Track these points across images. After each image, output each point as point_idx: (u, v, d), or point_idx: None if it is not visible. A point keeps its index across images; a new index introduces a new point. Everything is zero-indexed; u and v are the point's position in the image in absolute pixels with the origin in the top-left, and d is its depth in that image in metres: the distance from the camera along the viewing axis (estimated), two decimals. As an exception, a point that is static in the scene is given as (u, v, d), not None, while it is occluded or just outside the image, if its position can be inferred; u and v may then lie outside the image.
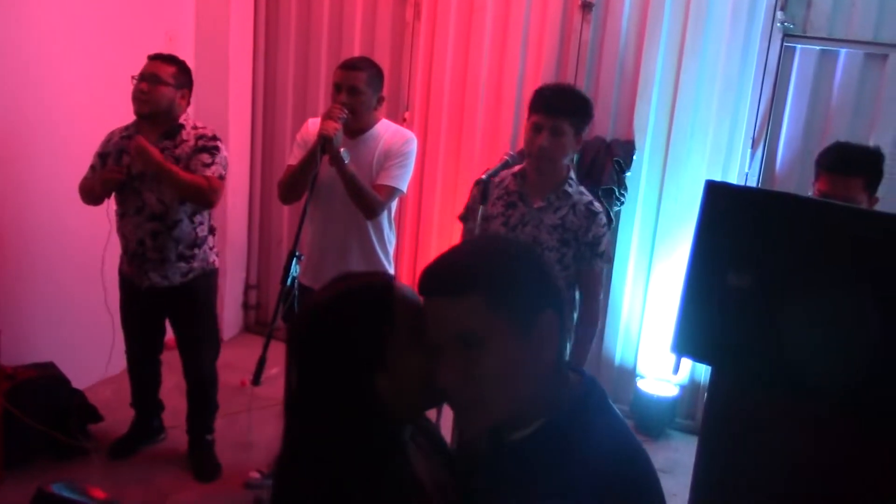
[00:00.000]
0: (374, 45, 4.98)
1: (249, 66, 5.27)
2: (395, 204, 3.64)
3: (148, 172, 3.51)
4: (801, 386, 1.95)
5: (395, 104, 4.89)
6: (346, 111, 3.31)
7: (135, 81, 3.56)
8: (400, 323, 1.40)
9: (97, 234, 3.77)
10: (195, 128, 3.64)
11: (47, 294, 4.15)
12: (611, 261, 3.22)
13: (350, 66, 3.46)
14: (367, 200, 3.37)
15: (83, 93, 4.23)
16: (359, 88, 3.39)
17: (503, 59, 4.75)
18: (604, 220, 3.13)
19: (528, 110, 3.06)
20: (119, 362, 4.00)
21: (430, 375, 1.37)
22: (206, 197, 3.51)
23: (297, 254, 3.09)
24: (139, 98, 3.52)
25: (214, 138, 3.63)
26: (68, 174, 3.77)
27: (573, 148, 3.07)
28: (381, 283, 1.46)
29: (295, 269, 3.06)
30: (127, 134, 3.64)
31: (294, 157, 3.50)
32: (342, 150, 3.27)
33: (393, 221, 3.67)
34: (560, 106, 2.99)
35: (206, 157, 3.55)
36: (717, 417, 2.26)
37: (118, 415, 4.13)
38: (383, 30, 4.97)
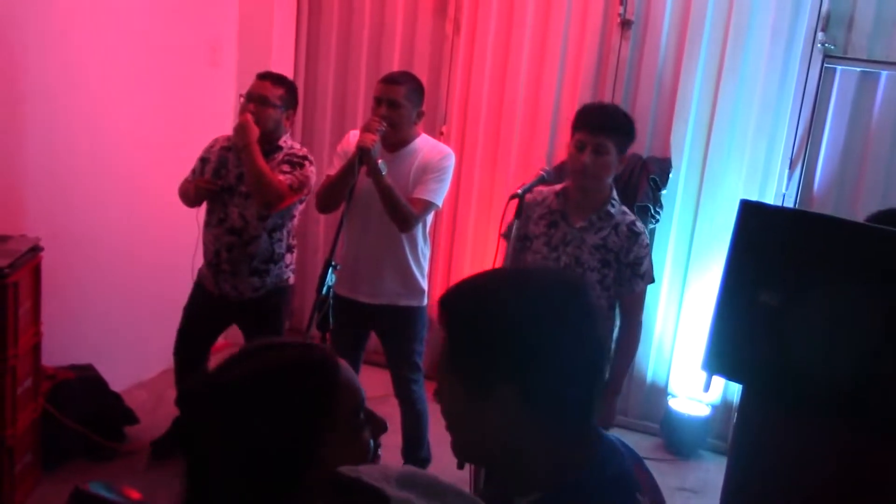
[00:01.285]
0: (413, 59, 5.03)
1: (290, 78, 5.34)
2: (430, 218, 3.67)
3: (238, 146, 3.52)
4: (831, 407, 1.95)
5: (432, 118, 4.92)
6: (385, 124, 3.36)
7: (242, 101, 3.60)
8: (340, 413, 1.27)
9: (141, 238, 3.83)
10: (290, 148, 3.68)
11: (89, 297, 4.22)
12: (653, 281, 3.20)
13: (391, 80, 3.50)
14: (401, 213, 3.40)
15: (129, 102, 4.30)
16: (399, 102, 3.43)
17: (541, 75, 4.77)
18: (646, 240, 3.12)
19: (572, 128, 3.07)
20: (155, 365, 4.05)
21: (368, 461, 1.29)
22: (267, 193, 3.48)
23: (333, 263, 3.13)
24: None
25: (303, 157, 3.65)
26: (115, 181, 3.84)
27: (616, 167, 3.06)
28: (323, 368, 1.30)
29: (331, 278, 3.09)
30: (227, 146, 3.70)
31: (333, 168, 3.55)
32: (380, 162, 3.31)
33: (428, 235, 3.70)
34: (604, 124, 3.01)
35: (285, 167, 3.57)
36: (747, 436, 2.26)
37: (154, 417, 4.19)
38: (422, 44, 5.02)
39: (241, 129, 3.49)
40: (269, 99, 3.59)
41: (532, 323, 1.23)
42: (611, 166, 3.02)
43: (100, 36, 4.10)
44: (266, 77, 3.66)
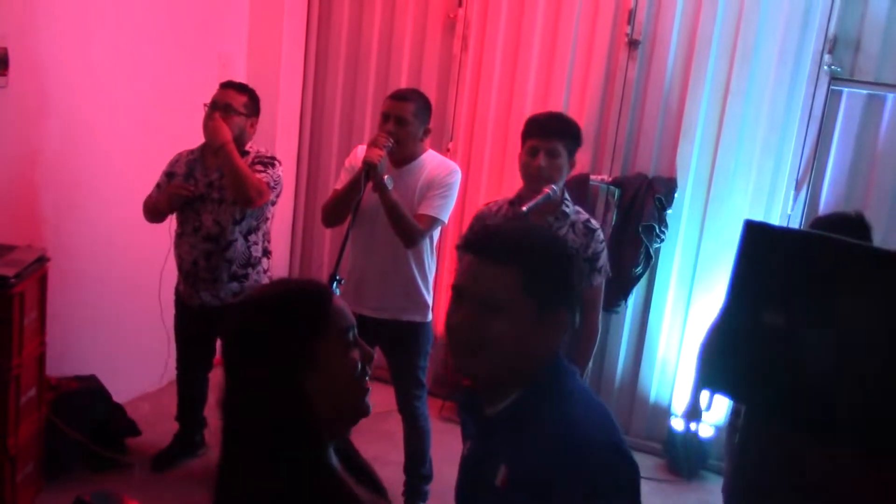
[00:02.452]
0: (421, 75, 5.06)
1: (299, 92, 5.38)
2: (437, 233, 3.68)
3: (214, 146, 3.57)
4: (831, 427, 1.94)
5: (439, 134, 4.94)
6: (392, 140, 3.38)
7: (206, 109, 3.66)
8: (332, 327, 1.45)
9: (150, 252, 3.85)
10: (258, 152, 3.75)
11: (95, 308, 4.23)
12: (610, 276, 3.36)
13: (399, 96, 3.53)
14: (406, 228, 3.41)
15: (138, 114, 4.33)
16: (406, 119, 3.45)
17: (548, 93, 4.79)
18: (601, 236, 3.29)
19: (523, 137, 3.27)
20: (159, 378, 4.06)
21: (357, 381, 1.46)
22: (248, 189, 3.55)
23: (337, 277, 3.14)
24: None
25: (272, 158, 3.75)
26: (123, 193, 3.86)
27: (567, 170, 3.24)
28: (319, 289, 1.51)
29: (335, 292, 3.10)
30: (193, 157, 3.76)
31: (340, 182, 3.57)
32: (386, 177, 3.32)
33: (434, 251, 3.70)
34: (555, 129, 3.20)
35: (259, 167, 3.66)
36: (748, 456, 2.25)
37: (156, 430, 4.19)
38: (431, 60, 5.05)
39: (213, 130, 3.57)
40: (234, 106, 3.67)
41: (573, 260, 1.60)
42: (563, 169, 3.20)
43: (110, 47, 4.13)
44: (229, 86, 3.76)
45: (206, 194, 3.71)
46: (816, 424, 2.01)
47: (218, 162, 3.62)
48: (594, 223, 3.31)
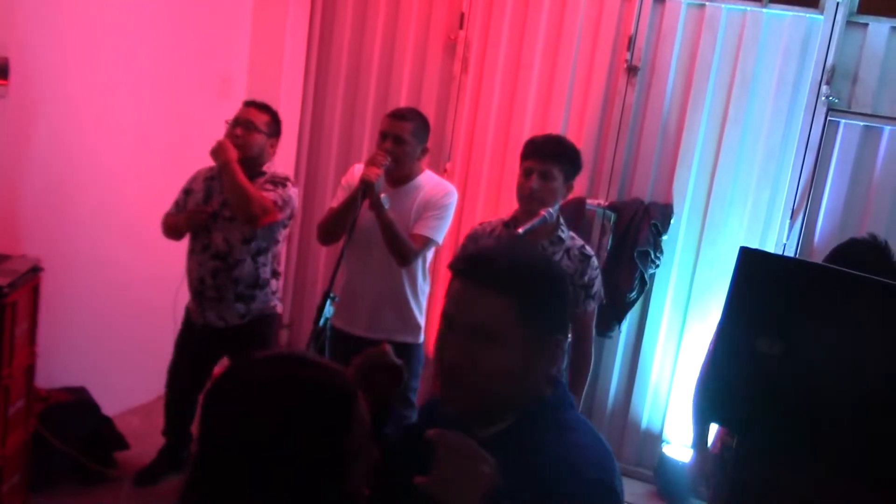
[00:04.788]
0: (420, 96, 5.07)
1: (298, 110, 5.38)
2: (430, 254, 3.67)
3: (218, 164, 3.57)
4: (826, 457, 1.94)
5: (436, 155, 4.95)
6: (389, 159, 3.38)
7: (228, 126, 3.67)
8: (355, 436, 1.31)
9: (144, 266, 3.85)
10: (274, 174, 3.73)
11: (86, 319, 4.21)
12: (604, 302, 3.36)
13: (398, 115, 3.53)
14: (401, 248, 3.41)
15: (137, 128, 4.33)
16: (404, 138, 3.46)
17: (546, 117, 4.80)
18: (596, 262, 3.26)
19: (521, 158, 3.25)
20: (149, 392, 4.03)
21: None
22: (250, 207, 3.53)
23: (331, 295, 3.13)
24: (234, 143, 3.60)
25: (285, 178, 3.73)
26: (119, 207, 3.86)
27: (562, 194, 3.22)
28: (341, 386, 1.33)
29: (329, 310, 3.09)
30: (211, 175, 3.74)
31: (337, 200, 3.57)
32: (382, 196, 3.32)
33: (427, 272, 3.70)
34: (551, 152, 3.18)
35: (268, 186, 3.64)
36: (740, 485, 2.24)
37: (144, 444, 4.16)
38: (430, 81, 5.06)
39: (218, 148, 3.57)
40: (256, 124, 3.68)
41: (566, 284, 1.56)
42: (557, 192, 3.17)
43: (111, 60, 4.13)
44: (252, 104, 3.77)
45: (218, 212, 3.69)
46: (811, 453, 2.00)
47: (222, 179, 3.62)
48: (589, 249, 3.29)
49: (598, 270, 3.27)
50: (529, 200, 3.16)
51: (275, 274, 3.84)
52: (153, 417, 4.32)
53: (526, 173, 3.18)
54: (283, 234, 3.84)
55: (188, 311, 3.88)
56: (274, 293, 3.84)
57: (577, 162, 3.26)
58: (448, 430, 1.33)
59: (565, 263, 3.18)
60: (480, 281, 1.44)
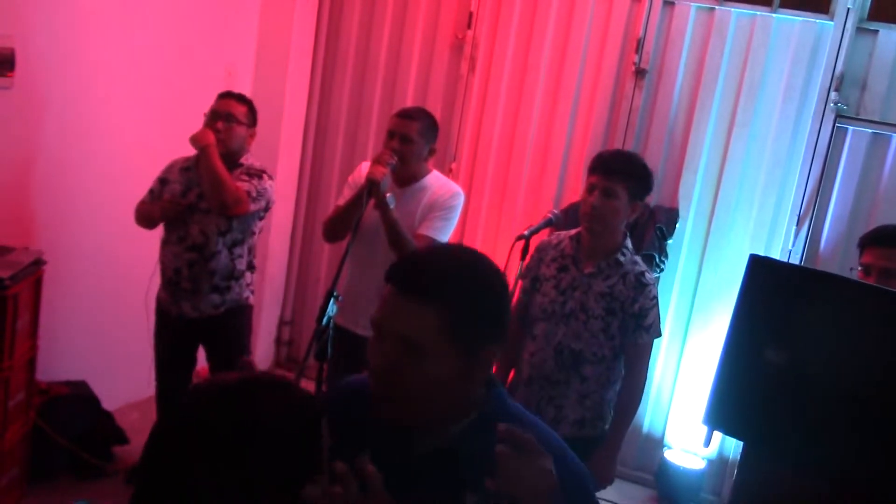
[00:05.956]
0: (426, 95, 5.05)
1: (304, 107, 5.37)
2: (434, 255, 3.64)
3: (198, 147, 3.52)
4: (831, 471, 1.92)
5: (442, 154, 4.93)
6: (396, 158, 3.35)
7: (207, 118, 3.62)
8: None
9: (142, 260, 3.83)
10: (250, 165, 3.70)
11: (88, 313, 4.20)
12: (660, 335, 3.11)
13: (405, 115, 3.50)
14: (404, 247, 3.38)
15: (141, 122, 4.32)
16: (411, 138, 3.43)
17: (553, 119, 4.79)
18: (654, 292, 3.02)
19: (587, 173, 3.04)
20: (149, 387, 4.02)
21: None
22: (224, 194, 3.49)
23: (335, 294, 3.10)
24: (216, 136, 3.55)
25: (261, 170, 3.69)
26: (122, 202, 3.84)
27: (626, 213, 2.99)
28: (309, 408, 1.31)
29: (332, 308, 3.07)
30: (187, 166, 3.71)
31: (343, 198, 3.55)
32: (388, 195, 3.30)
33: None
34: (616, 168, 2.96)
35: (244, 177, 3.61)
36: (747, 495, 2.22)
37: (143, 438, 4.12)
38: (437, 80, 5.05)
39: (199, 134, 3.52)
40: (236, 116, 3.64)
41: (505, 291, 1.47)
42: (619, 211, 2.96)
43: (117, 53, 4.12)
44: (230, 96, 3.71)
45: (195, 203, 3.65)
46: (817, 464, 1.98)
47: (198, 164, 3.58)
48: (649, 277, 3.03)
49: (654, 301, 3.01)
50: (588, 218, 2.97)
51: (250, 266, 3.82)
52: (153, 412, 4.29)
53: (589, 189, 2.97)
54: (258, 227, 3.81)
55: (160, 302, 3.83)
56: (248, 285, 3.82)
57: (645, 181, 3.02)
58: (514, 427, 1.30)
59: (619, 289, 2.98)
60: (408, 290, 1.39)
